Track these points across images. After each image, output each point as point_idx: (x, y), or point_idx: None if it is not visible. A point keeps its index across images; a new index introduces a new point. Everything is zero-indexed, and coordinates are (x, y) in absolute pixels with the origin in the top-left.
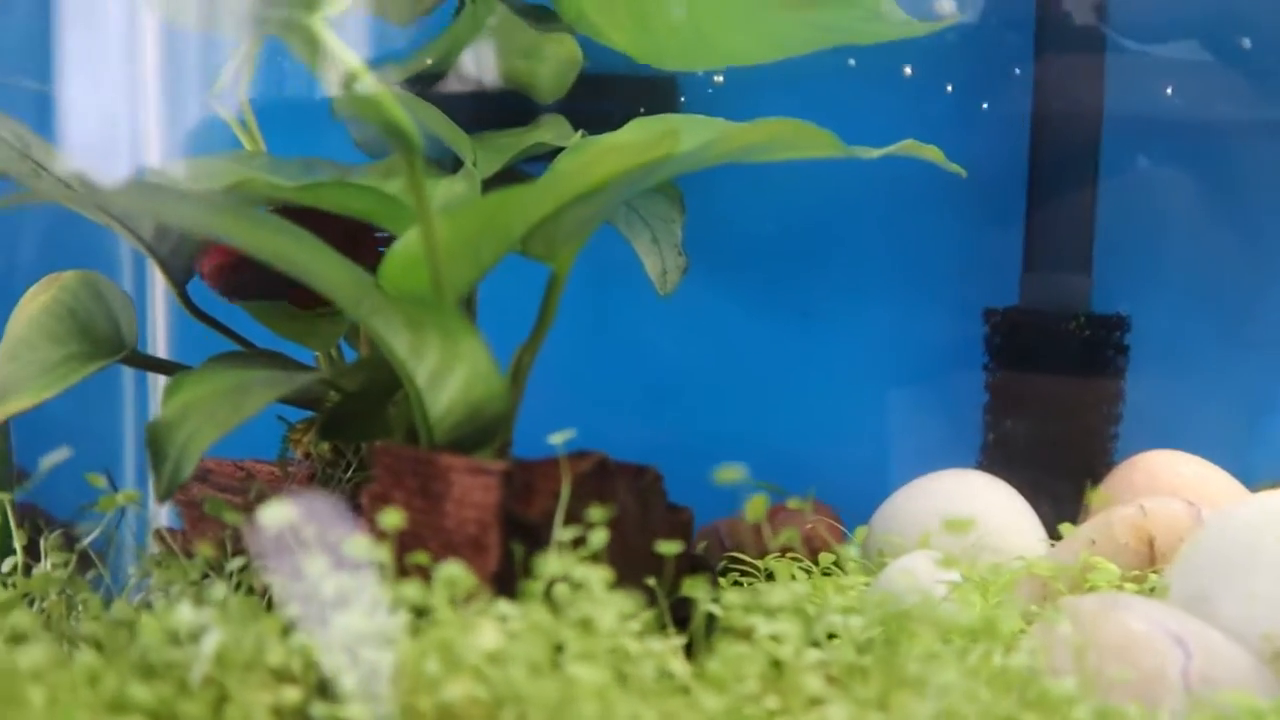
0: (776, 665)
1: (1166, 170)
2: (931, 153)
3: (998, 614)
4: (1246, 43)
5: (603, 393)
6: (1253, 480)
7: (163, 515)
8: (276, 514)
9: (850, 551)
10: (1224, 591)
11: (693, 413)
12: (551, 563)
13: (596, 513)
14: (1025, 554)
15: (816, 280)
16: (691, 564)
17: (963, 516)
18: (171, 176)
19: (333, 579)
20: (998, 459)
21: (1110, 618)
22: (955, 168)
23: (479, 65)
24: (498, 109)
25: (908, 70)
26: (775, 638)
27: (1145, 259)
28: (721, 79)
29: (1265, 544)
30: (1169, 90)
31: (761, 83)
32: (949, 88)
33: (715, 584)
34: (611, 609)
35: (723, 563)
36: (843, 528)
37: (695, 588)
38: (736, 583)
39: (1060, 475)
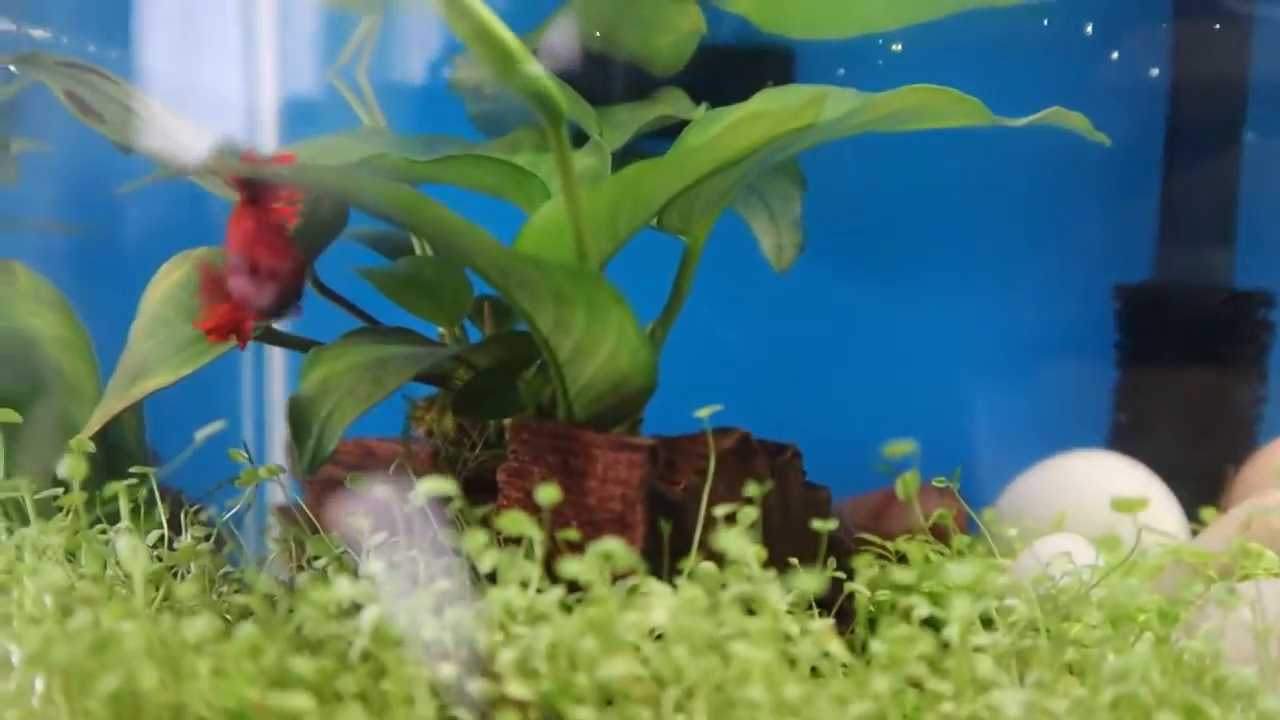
0: (943, 647)
1: None
2: (1077, 120)
3: (1159, 599)
4: None
5: (719, 370)
6: None
7: (277, 492)
8: (429, 489)
9: (999, 531)
10: None
11: (810, 392)
12: (731, 540)
13: (751, 489)
14: (1167, 538)
15: (938, 258)
16: (831, 543)
17: (1131, 497)
18: (308, 151)
19: (488, 555)
20: (1130, 440)
21: (1272, 605)
22: (1100, 137)
23: (596, 36)
24: (615, 81)
25: (1042, 34)
26: (936, 619)
27: None
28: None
29: None
30: None
31: (881, 53)
32: (1084, 53)
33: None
34: (773, 588)
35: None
36: (968, 510)
37: (853, 568)
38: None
39: (1198, 458)
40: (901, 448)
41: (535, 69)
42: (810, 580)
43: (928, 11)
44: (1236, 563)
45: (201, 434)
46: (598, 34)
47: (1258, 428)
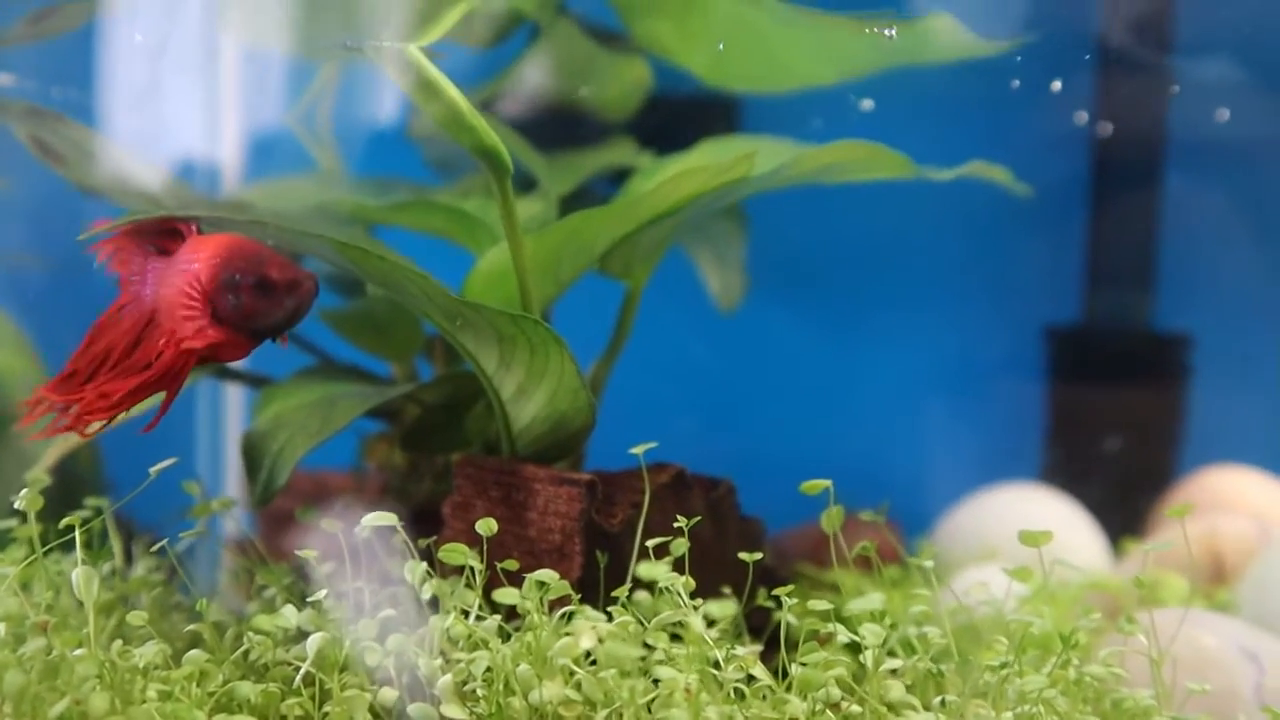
0: (856, 673)
1: (1231, 187)
2: (998, 174)
3: (1069, 626)
4: None
5: (665, 407)
6: None
7: (230, 524)
8: (374, 520)
9: (918, 564)
10: None
11: (753, 428)
12: (658, 570)
13: (682, 522)
14: (1089, 568)
15: (877, 298)
16: (764, 573)
17: (1036, 529)
18: (263, 196)
19: (430, 585)
20: (1060, 474)
21: (1183, 633)
22: (1022, 188)
23: (550, 87)
24: (566, 129)
25: (976, 89)
26: (855, 645)
27: (1210, 275)
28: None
29: None
30: (1231, 108)
31: (820, 104)
32: (1015, 106)
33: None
34: (698, 615)
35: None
36: (902, 541)
37: (772, 597)
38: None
39: (1123, 491)
40: (818, 485)
41: (481, 126)
42: (722, 608)
43: (857, 70)
44: (1150, 592)
45: (155, 469)
46: (553, 84)
47: (1177, 462)
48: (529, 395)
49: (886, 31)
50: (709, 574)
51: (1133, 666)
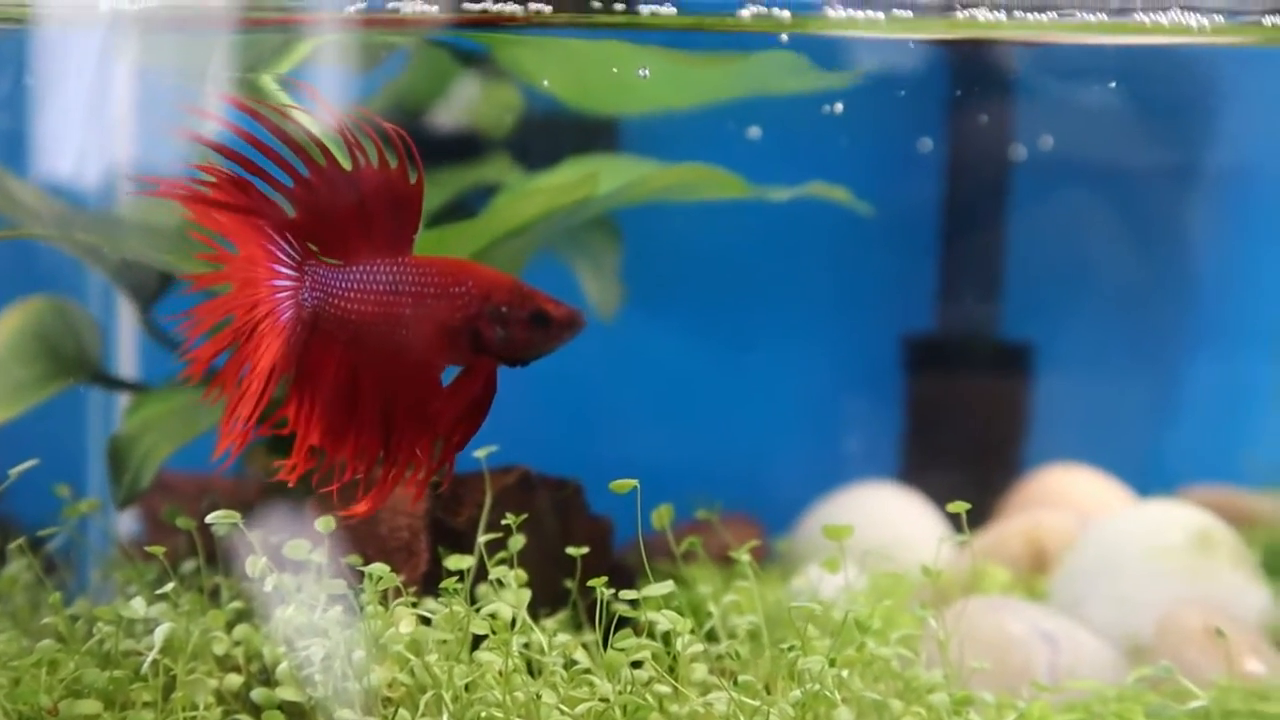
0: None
1: (1075, 206)
2: (838, 194)
3: (884, 612)
4: (1137, 95)
5: (547, 412)
6: (1152, 492)
7: (126, 525)
8: (224, 520)
9: (737, 556)
10: (1095, 596)
11: (631, 433)
12: (462, 561)
13: (514, 519)
14: (931, 561)
15: (747, 309)
16: (612, 568)
17: (842, 524)
18: (136, 211)
19: (273, 578)
20: (915, 473)
21: (989, 618)
22: (863, 207)
23: (423, 108)
24: (451, 146)
25: (835, 116)
26: (669, 633)
27: (1055, 289)
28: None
29: (1130, 554)
30: (1071, 135)
31: (698, 125)
32: (869, 132)
33: (632, 587)
34: (521, 604)
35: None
36: (765, 538)
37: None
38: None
39: (972, 487)
40: (627, 485)
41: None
42: (519, 596)
43: (712, 96)
44: (976, 581)
45: (15, 470)
46: (425, 105)
47: (1021, 460)
48: None
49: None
50: (555, 569)
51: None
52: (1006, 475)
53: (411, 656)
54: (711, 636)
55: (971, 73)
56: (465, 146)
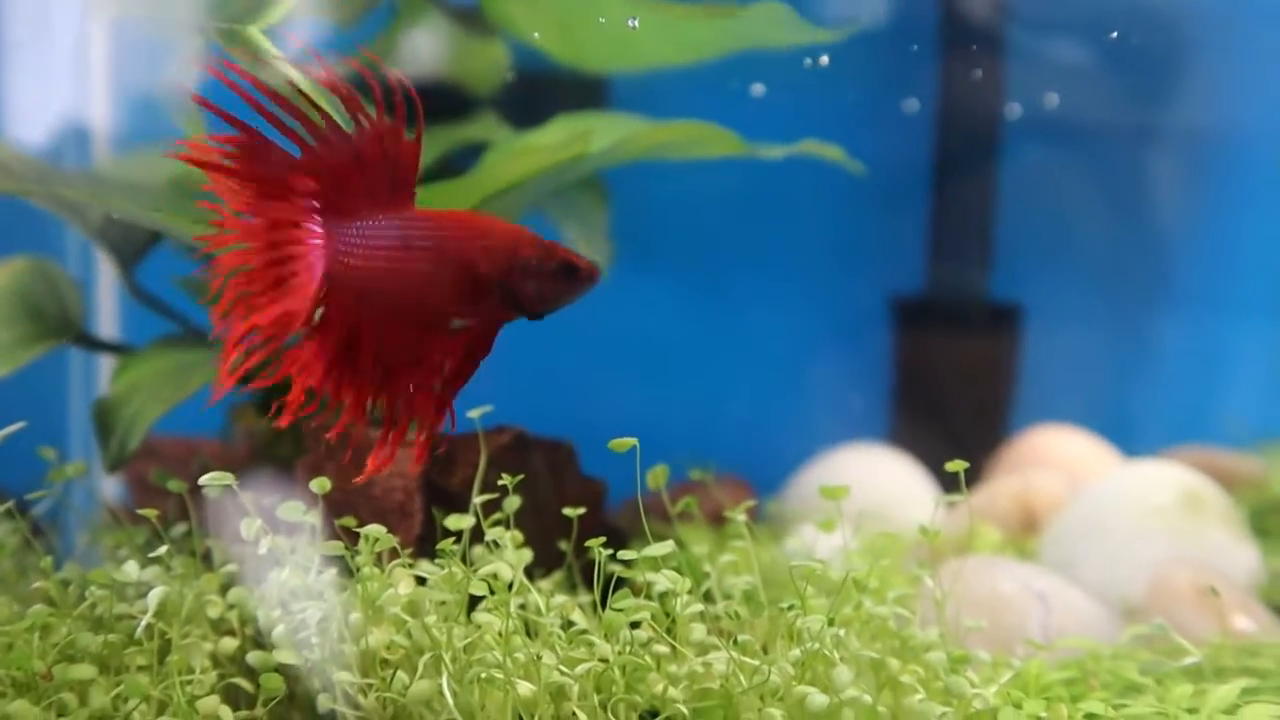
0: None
1: (1062, 166)
2: (831, 152)
3: (880, 572)
4: (1134, 47)
5: (538, 373)
6: (1137, 452)
7: (110, 489)
8: (212, 480)
9: (732, 516)
10: (1086, 556)
11: (624, 393)
12: (460, 522)
13: (510, 480)
14: (923, 520)
15: (737, 271)
16: (605, 530)
17: (838, 485)
18: (120, 168)
19: (267, 541)
20: (905, 434)
21: (982, 577)
22: (855, 166)
23: (411, 63)
24: (432, 104)
25: (823, 72)
26: (666, 594)
27: (1042, 250)
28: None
29: (1120, 515)
30: (1065, 92)
31: (688, 82)
32: (858, 88)
33: (624, 548)
34: (519, 565)
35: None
36: (755, 499)
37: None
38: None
39: (961, 448)
40: (626, 443)
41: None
42: (519, 557)
43: (700, 53)
44: (968, 541)
45: (2, 433)
46: (413, 61)
47: (1011, 422)
48: None
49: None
50: (549, 529)
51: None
52: (995, 436)
53: (409, 618)
54: (708, 597)
55: (964, 28)
56: (453, 103)
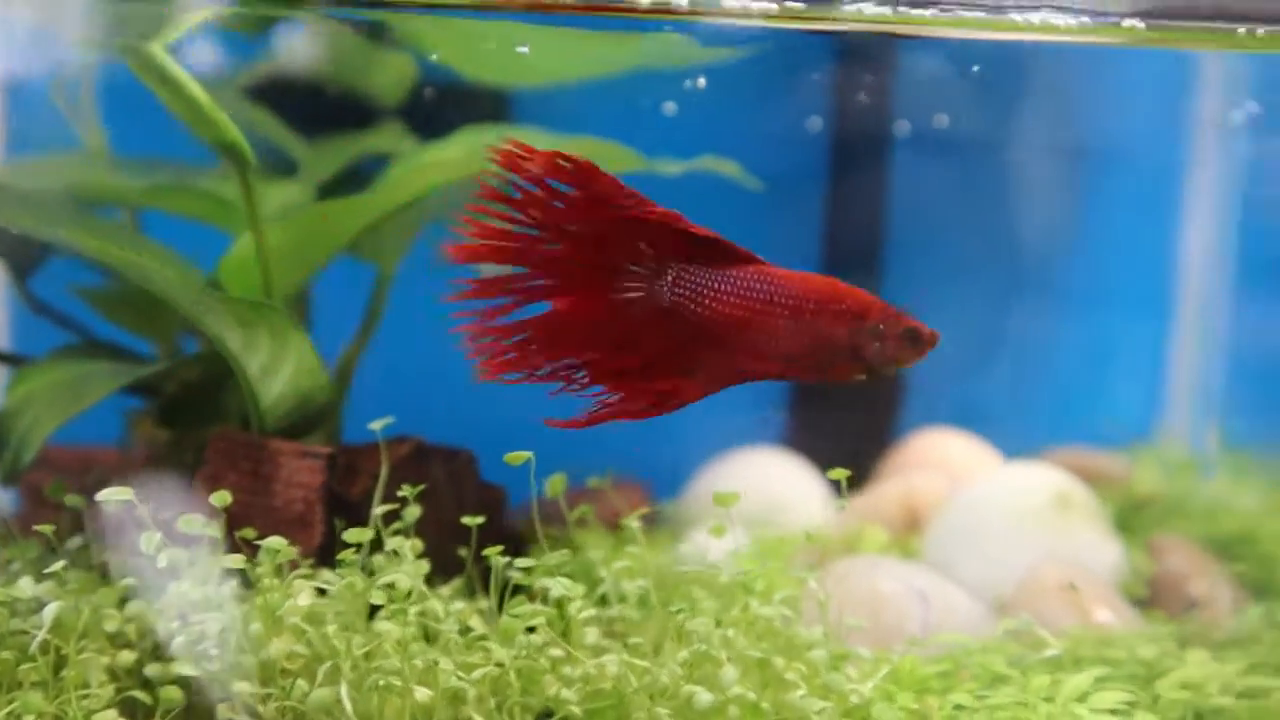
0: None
1: (948, 179)
2: (728, 168)
3: (769, 574)
4: (1009, 80)
5: (449, 384)
6: (1019, 452)
7: (2, 502)
8: (113, 495)
9: (627, 523)
10: (965, 555)
11: (523, 402)
12: (361, 534)
13: (410, 490)
14: (813, 524)
15: None
16: (505, 536)
17: (727, 490)
18: (12, 176)
19: (166, 553)
20: (797, 439)
21: (866, 578)
22: (752, 182)
23: (318, 74)
24: (344, 113)
25: (724, 91)
26: (561, 599)
27: (930, 259)
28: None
29: (995, 515)
30: (951, 112)
31: (591, 98)
32: (758, 106)
33: (525, 554)
34: (418, 574)
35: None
36: (653, 503)
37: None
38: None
39: (852, 452)
40: (521, 456)
41: (222, 121)
42: (418, 567)
43: (610, 69)
44: (854, 543)
45: None
46: (320, 72)
47: (900, 426)
48: (273, 375)
49: None
50: (449, 537)
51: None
52: (885, 440)
53: (308, 628)
54: (604, 601)
55: (856, 54)
56: (358, 115)
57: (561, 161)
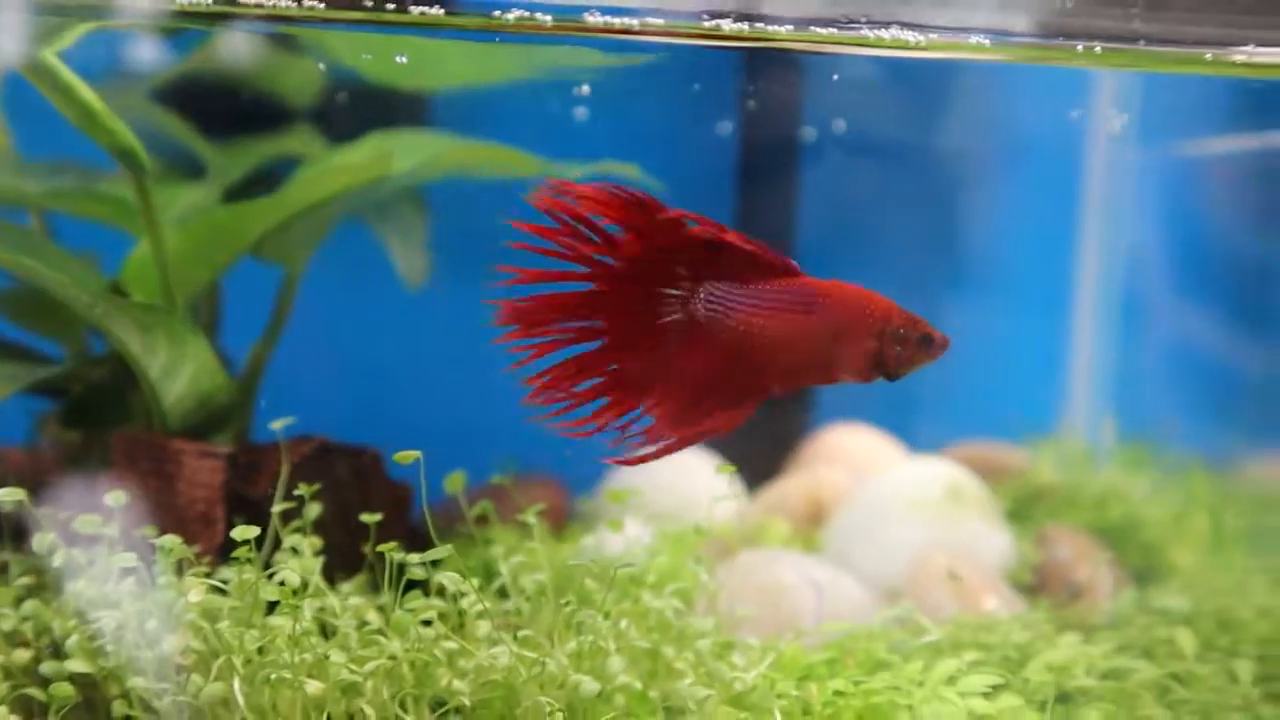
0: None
1: (857, 181)
2: (629, 171)
3: (665, 567)
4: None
5: (367, 382)
6: (925, 446)
7: None
8: (10, 495)
9: (524, 519)
10: (862, 546)
11: (443, 398)
12: (248, 531)
13: (307, 489)
14: (709, 518)
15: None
16: (410, 533)
17: (625, 487)
18: None
19: (62, 553)
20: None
21: (765, 569)
22: (653, 183)
23: (230, 77)
24: (254, 117)
25: (639, 95)
26: (457, 593)
27: (840, 258)
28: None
29: (891, 509)
30: (856, 115)
31: (509, 103)
32: (672, 110)
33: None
34: (312, 571)
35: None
36: (570, 498)
37: (391, 551)
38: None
39: (764, 448)
40: (410, 456)
41: (118, 129)
42: (306, 566)
43: (515, 73)
44: (758, 535)
45: None
46: (228, 75)
47: (811, 420)
48: (173, 376)
49: None
50: (354, 534)
51: (724, 599)
52: (796, 436)
53: (205, 624)
54: (503, 594)
55: (759, 61)
56: (269, 118)
57: (612, 195)
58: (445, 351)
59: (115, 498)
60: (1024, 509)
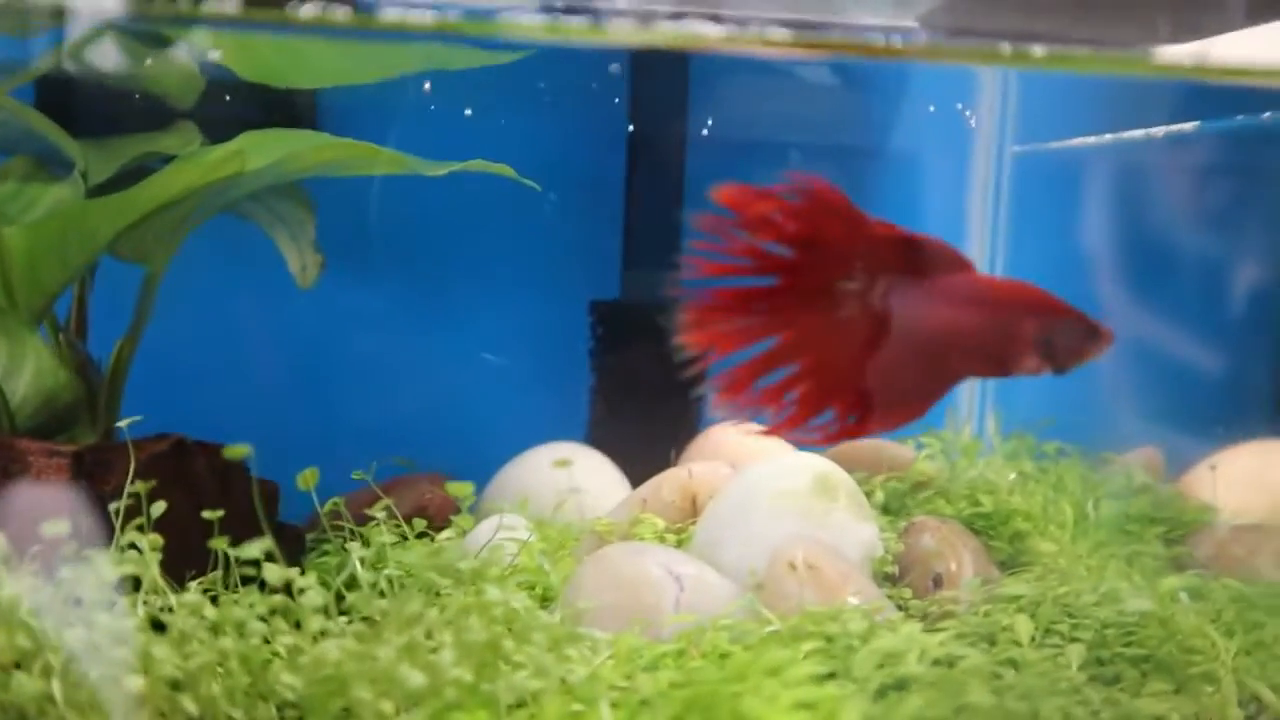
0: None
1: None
2: (502, 169)
3: (524, 561)
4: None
5: (259, 382)
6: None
7: None
8: None
9: (378, 515)
10: (729, 538)
11: (334, 398)
12: (57, 527)
13: (144, 486)
14: (596, 513)
15: (446, 277)
16: (278, 531)
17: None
18: None
19: None
20: (601, 432)
21: (630, 563)
22: (529, 183)
23: (104, 76)
24: (130, 115)
25: (525, 94)
26: (301, 589)
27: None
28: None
29: (757, 501)
30: (743, 115)
31: (399, 103)
32: (559, 111)
33: (302, 548)
34: (147, 567)
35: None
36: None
37: (242, 551)
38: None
39: (652, 445)
40: (240, 451)
41: None
42: (146, 560)
43: (393, 71)
44: (632, 529)
45: None
46: (100, 72)
47: (697, 418)
48: (15, 376)
49: None
50: (211, 533)
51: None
52: (686, 432)
53: (31, 621)
54: (350, 587)
55: (652, 58)
56: (146, 117)
57: (793, 196)
58: (341, 351)
59: None
60: (900, 501)
